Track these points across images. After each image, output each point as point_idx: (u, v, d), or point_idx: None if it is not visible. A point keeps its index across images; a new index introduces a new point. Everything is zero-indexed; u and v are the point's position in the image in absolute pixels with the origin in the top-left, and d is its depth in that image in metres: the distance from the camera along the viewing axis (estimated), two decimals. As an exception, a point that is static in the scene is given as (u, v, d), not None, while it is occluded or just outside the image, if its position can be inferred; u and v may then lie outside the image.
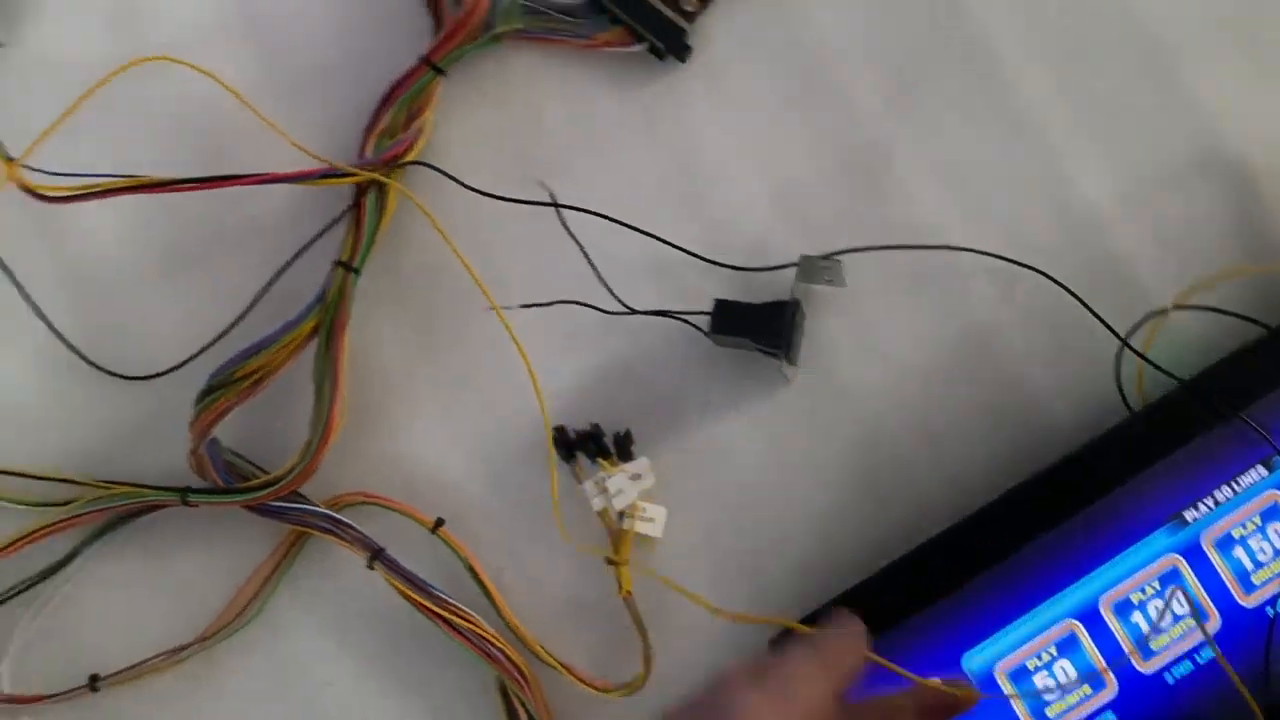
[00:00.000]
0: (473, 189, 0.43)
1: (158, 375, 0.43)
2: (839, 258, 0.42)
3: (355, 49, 0.45)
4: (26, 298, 0.42)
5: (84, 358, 0.43)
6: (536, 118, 0.45)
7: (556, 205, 0.43)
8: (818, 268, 0.41)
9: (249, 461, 0.42)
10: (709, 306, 0.42)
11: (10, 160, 0.40)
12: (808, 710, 0.28)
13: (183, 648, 0.41)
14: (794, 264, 0.42)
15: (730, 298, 0.42)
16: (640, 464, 0.42)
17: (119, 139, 0.44)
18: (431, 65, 0.43)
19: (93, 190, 0.41)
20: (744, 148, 0.45)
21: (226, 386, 0.41)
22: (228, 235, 0.44)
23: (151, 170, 0.42)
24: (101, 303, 0.44)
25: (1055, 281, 0.43)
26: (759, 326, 0.41)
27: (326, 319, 0.42)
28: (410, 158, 0.43)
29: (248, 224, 0.44)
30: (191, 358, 0.43)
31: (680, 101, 0.45)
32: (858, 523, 0.42)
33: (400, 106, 0.44)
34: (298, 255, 0.43)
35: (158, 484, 0.41)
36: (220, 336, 0.43)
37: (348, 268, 0.42)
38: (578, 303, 0.42)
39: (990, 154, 0.45)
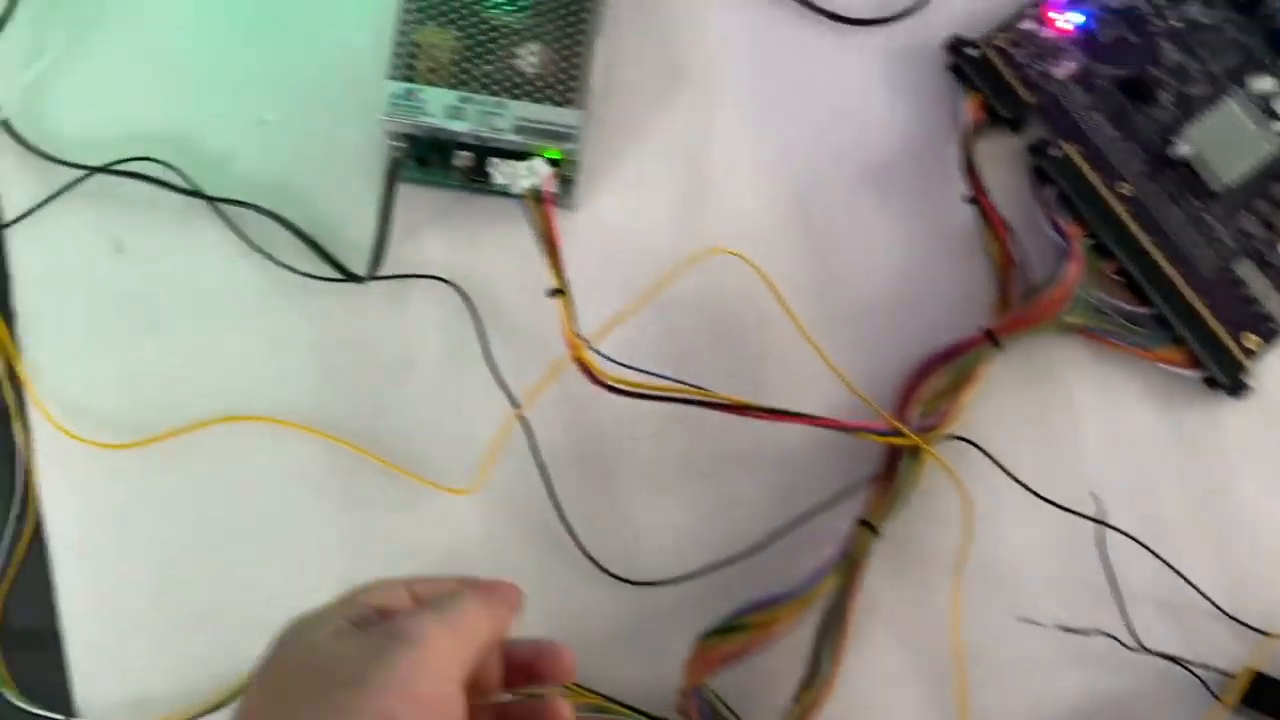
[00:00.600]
0: (1015, 479, 0.41)
1: (653, 584, 0.41)
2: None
3: (908, 296, 0.44)
4: (545, 475, 0.42)
5: (580, 546, 0.41)
6: (1070, 413, 0.43)
7: (1097, 521, 0.41)
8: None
9: (726, 705, 0.40)
10: (1221, 661, 0.41)
11: (579, 337, 0.40)
12: (477, 658, 0.25)
13: None
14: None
15: (1246, 657, 0.40)
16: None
17: (657, 321, 0.43)
18: (993, 339, 0.42)
19: (649, 390, 0.40)
20: (1280, 500, 0.43)
21: (735, 632, 0.39)
22: (747, 453, 0.43)
23: (681, 362, 0.41)
24: (604, 493, 0.42)
25: None
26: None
27: (843, 580, 0.40)
28: (948, 429, 0.42)
29: (769, 446, 0.42)
30: (691, 575, 0.41)
31: (1221, 434, 0.43)
32: None
33: (949, 373, 0.42)
34: (822, 507, 0.41)
35: (634, 704, 0.39)
36: (725, 563, 0.41)
37: (871, 529, 0.40)
38: (1108, 635, 0.40)
39: None
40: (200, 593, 0.41)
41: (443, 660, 0.24)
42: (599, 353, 0.40)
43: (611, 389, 0.40)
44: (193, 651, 0.41)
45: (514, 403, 0.41)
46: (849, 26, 0.46)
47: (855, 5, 0.46)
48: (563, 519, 0.41)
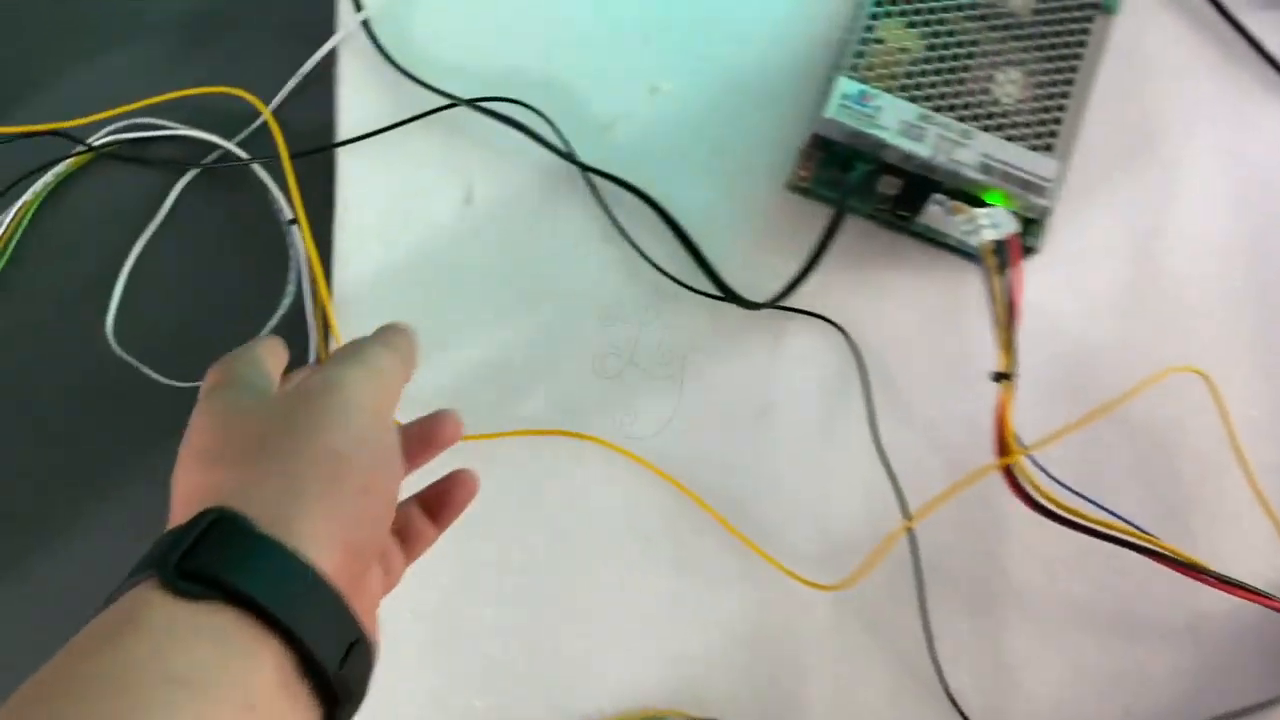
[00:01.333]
0: None
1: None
2: None
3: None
4: (921, 598, 0.34)
5: (946, 688, 0.34)
6: None
7: None
8: None
9: None
10: None
11: (1017, 445, 0.32)
12: (395, 395, 0.27)
13: None
14: None
15: None
16: None
17: (1079, 433, 0.35)
18: None
19: (1084, 521, 0.32)
20: None
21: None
22: (1159, 618, 0.35)
23: (1097, 486, 0.34)
24: (980, 627, 0.35)
25: None
26: None
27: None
28: None
29: (1186, 615, 0.35)
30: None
31: None
32: None
33: None
34: (1246, 712, 0.33)
35: None
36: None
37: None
38: None
39: None
40: (505, 621, 0.34)
41: (368, 399, 0.25)
42: (1035, 463, 0.33)
43: (1044, 511, 0.32)
44: (462, 667, 0.34)
45: (905, 511, 0.34)
46: (1358, 130, 0.38)
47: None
48: (931, 651, 0.34)
